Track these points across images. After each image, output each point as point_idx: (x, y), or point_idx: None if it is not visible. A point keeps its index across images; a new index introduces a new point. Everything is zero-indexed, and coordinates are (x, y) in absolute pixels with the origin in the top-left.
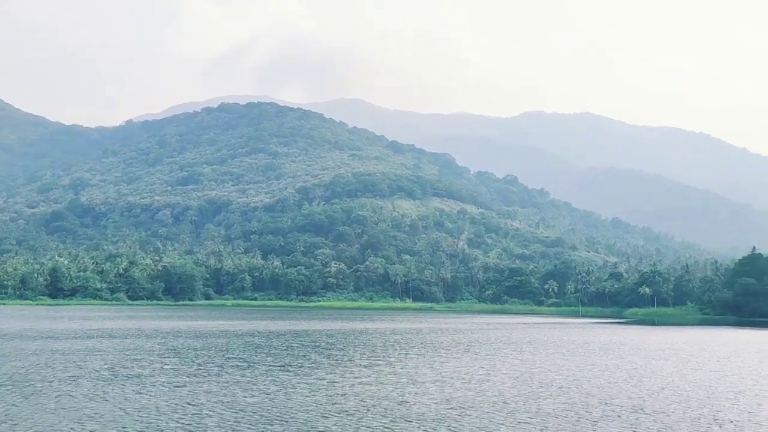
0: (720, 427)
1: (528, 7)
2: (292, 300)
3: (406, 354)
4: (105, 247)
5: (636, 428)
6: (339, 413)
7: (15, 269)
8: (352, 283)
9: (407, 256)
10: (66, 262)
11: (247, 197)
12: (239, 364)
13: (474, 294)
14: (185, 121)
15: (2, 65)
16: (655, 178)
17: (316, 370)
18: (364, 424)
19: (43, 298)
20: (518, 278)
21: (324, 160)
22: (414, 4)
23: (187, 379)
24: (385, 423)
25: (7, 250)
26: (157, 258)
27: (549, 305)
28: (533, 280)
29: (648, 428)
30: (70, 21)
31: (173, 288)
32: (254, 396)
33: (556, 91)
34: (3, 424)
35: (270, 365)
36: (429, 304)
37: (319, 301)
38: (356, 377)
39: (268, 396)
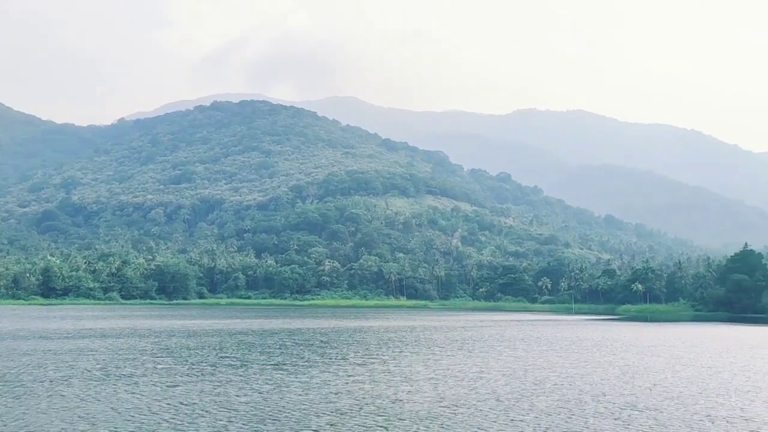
0: (712, 423)
1: (521, 5)
2: (286, 298)
3: (400, 352)
4: (97, 247)
5: (629, 425)
6: (333, 412)
7: (7, 269)
8: (346, 282)
9: (401, 254)
10: (58, 261)
11: (240, 196)
12: (233, 363)
13: (468, 291)
14: (177, 119)
15: None
16: (647, 174)
17: (309, 369)
18: (357, 422)
19: (35, 297)
20: (512, 276)
21: (317, 158)
22: (407, 1)
23: (181, 378)
24: (378, 421)
25: None
26: (150, 257)
27: (542, 302)
28: (527, 278)
29: (641, 425)
30: (62, 19)
31: (166, 287)
32: (248, 395)
33: (549, 88)
34: None
35: (264, 364)
36: (423, 302)
37: (313, 299)
38: (350, 375)
39: (261, 395)
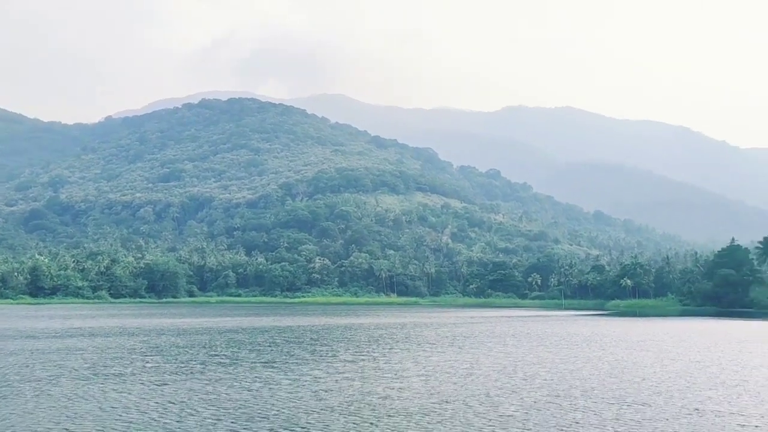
0: (701, 417)
1: (510, 3)
2: (276, 296)
3: (390, 349)
4: (86, 245)
5: (618, 419)
6: (323, 409)
7: None
8: (336, 279)
9: (391, 251)
10: (46, 260)
11: (230, 193)
12: (223, 361)
13: (458, 288)
14: (166, 117)
15: None
16: (635, 170)
17: (300, 366)
18: (347, 419)
19: (23, 297)
20: (502, 272)
21: (306, 155)
22: None
23: (170, 377)
24: (369, 418)
25: None
26: (140, 255)
27: (532, 298)
28: (517, 274)
29: (630, 419)
30: (48, 16)
31: (156, 285)
32: (238, 393)
33: (538, 85)
34: None
35: (254, 362)
36: (413, 299)
37: (303, 296)
38: (340, 373)
39: (251, 393)
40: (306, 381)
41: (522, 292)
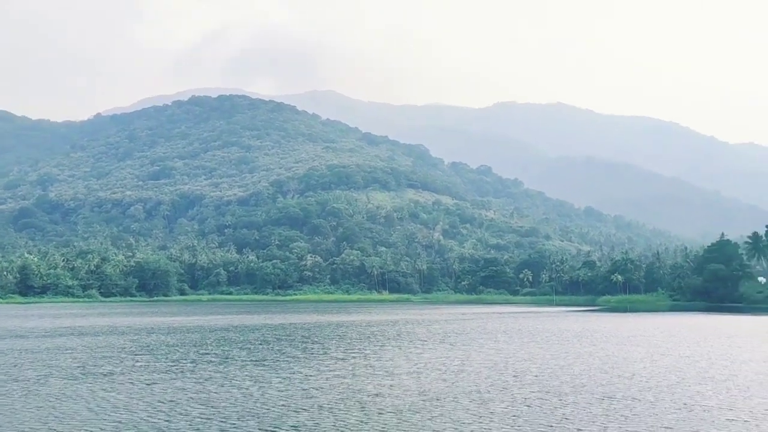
0: (690, 411)
1: (500, 0)
2: (268, 294)
3: (381, 346)
4: (75, 244)
5: (608, 415)
6: (314, 407)
7: None
8: (328, 276)
9: (383, 248)
10: (36, 259)
11: (221, 191)
12: (213, 359)
13: (450, 285)
14: (155, 114)
15: None
16: (626, 166)
17: (291, 364)
18: (339, 417)
19: (13, 296)
20: (493, 268)
21: (297, 152)
22: None
23: (160, 375)
24: (360, 416)
25: None
26: (130, 254)
27: (524, 294)
28: (508, 270)
29: (620, 415)
30: (37, 13)
31: (147, 284)
32: (229, 391)
33: (529, 81)
34: None
35: (245, 360)
36: (405, 296)
37: (295, 294)
38: (332, 370)
39: (242, 391)
40: (297, 379)
41: (513, 289)
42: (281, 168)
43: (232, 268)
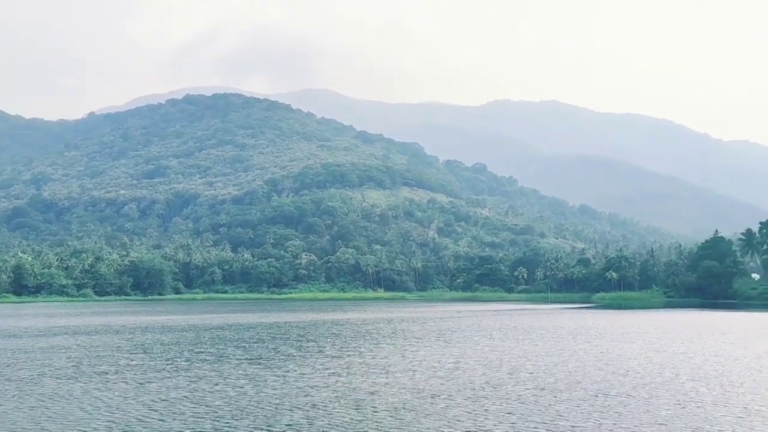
0: (683, 408)
1: None
2: (263, 292)
3: (377, 344)
4: (69, 243)
5: (602, 411)
6: (309, 405)
7: None
8: (323, 274)
9: (378, 246)
10: (30, 258)
11: (215, 190)
12: (208, 358)
13: (445, 282)
14: (149, 113)
15: None
16: (620, 164)
17: (286, 363)
18: (334, 415)
19: (7, 295)
20: (488, 266)
21: (292, 151)
22: None
23: (155, 374)
24: (355, 414)
25: None
26: (124, 253)
27: (519, 292)
28: (503, 268)
29: (614, 411)
30: (28, 11)
31: (141, 283)
32: (223, 390)
33: (523, 79)
34: None
35: (240, 358)
36: (400, 294)
37: (290, 293)
38: (327, 368)
39: (237, 389)
40: (292, 377)
41: (508, 286)
42: (276, 166)
43: (227, 267)
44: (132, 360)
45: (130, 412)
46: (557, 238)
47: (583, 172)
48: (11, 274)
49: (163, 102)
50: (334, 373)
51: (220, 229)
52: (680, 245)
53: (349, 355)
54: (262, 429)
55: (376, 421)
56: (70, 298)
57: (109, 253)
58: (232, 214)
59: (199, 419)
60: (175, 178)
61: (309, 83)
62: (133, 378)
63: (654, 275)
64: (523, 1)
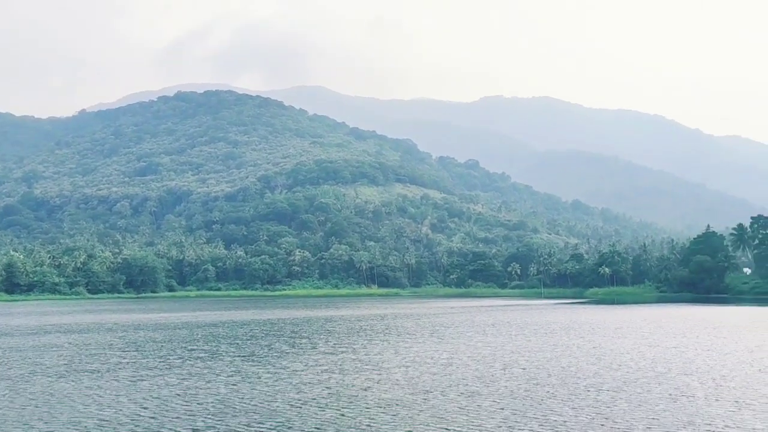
0: (674, 402)
1: None
2: (256, 289)
3: (370, 340)
4: (62, 241)
5: (595, 406)
6: (303, 402)
7: None
8: (317, 271)
9: (371, 243)
10: (22, 257)
11: (208, 187)
12: (202, 355)
13: (438, 278)
14: (141, 110)
15: None
16: (612, 159)
17: (280, 359)
18: (328, 411)
19: None
20: (482, 262)
21: (285, 148)
22: None
23: (148, 372)
24: (349, 410)
25: None
26: (117, 250)
27: (512, 287)
28: (496, 264)
29: (606, 406)
30: (19, 7)
31: (134, 280)
32: (216, 387)
33: (515, 75)
34: None
35: (233, 355)
36: (394, 290)
37: (284, 289)
38: (320, 365)
39: (231, 387)
40: (286, 374)
41: (502, 282)
42: (269, 163)
43: (220, 264)
44: (124, 358)
45: (121, 410)
46: (550, 234)
47: (576, 168)
48: (3, 273)
49: (155, 99)
50: (327, 369)
51: (213, 226)
52: (672, 240)
53: (342, 352)
54: (254, 426)
55: (369, 418)
56: (63, 296)
57: (102, 250)
58: (225, 211)
59: (191, 417)
60: (168, 176)
61: (301, 80)
62: (125, 376)
63: (646, 270)
64: (513, 0)
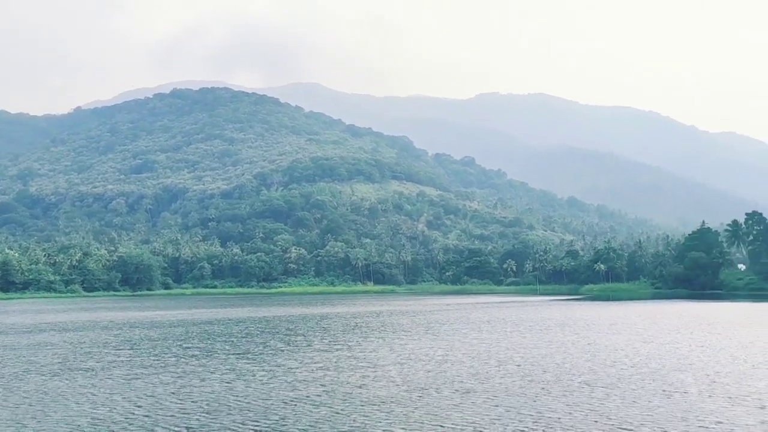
0: (668, 398)
1: None
2: (252, 287)
3: (365, 337)
4: (57, 239)
5: (589, 402)
6: (298, 399)
7: None
8: (312, 268)
9: (367, 240)
10: (17, 255)
11: (204, 184)
12: (197, 353)
13: (434, 275)
14: (137, 107)
15: None
16: (608, 156)
17: (275, 357)
18: (323, 409)
19: None
20: (477, 259)
21: (281, 145)
22: None
23: (143, 370)
24: (344, 407)
25: None
26: (113, 248)
27: (508, 284)
28: (492, 260)
29: (601, 402)
30: (13, 5)
31: (130, 278)
32: (211, 385)
33: (511, 72)
34: None
35: (228, 353)
36: (390, 287)
37: (280, 287)
38: (316, 362)
39: (226, 384)
40: (281, 372)
41: (497, 279)
42: (265, 161)
43: (216, 262)
44: (119, 356)
45: (116, 408)
46: (546, 231)
47: (572, 165)
48: None
49: (151, 96)
50: (322, 367)
51: (209, 224)
52: (667, 236)
53: (337, 349)
54: (249, 424)
55: (364, 415)
56: (58, 294)
57: (97, 248)
58: (221, 209)
59: (186, 415)
60: (163, 173)
61: (297, 77)
62: (120, 374)
63: (641, 266)
64: None
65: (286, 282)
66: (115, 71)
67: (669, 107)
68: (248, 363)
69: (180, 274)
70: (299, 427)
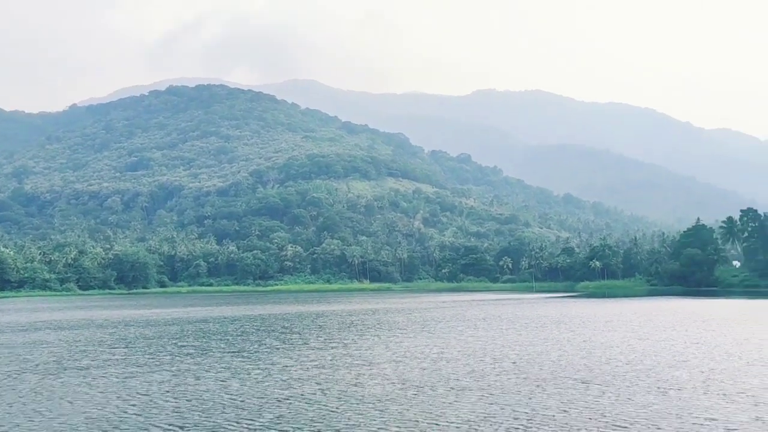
0: (663, 394)
1: None
2: (248, 285)
3: (361, 335)
4: (52, 237)
5: (585, 399)
6: (293, 397)
7: None
8: (308, 266)
9: (363, 237)
10: (12, 253)
11: (200, 182)
12: (192, 351)
13: (430, 273)
14: (132, 104)
15: None
16: (604, 153)
17: (270, 355)
18: (318, 407)
19: None
20: (473, 256)
21: (277, 142)
22: None
23: (138, 369)
24: (339, 405)
25: None
26: (108, 246)
27: (504, 281)
28: (488, 258)
29: (597, 399)
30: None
31: (126, 276)
32: (207, 383)
33: (507, 69)
34: None
35: (224, 351)
36: (386, 285)
37: (276, 284)
38: (311, 360)
39: (221, 383)
40: (276, 370)
41: (493, 276)
42: (261, 158)
43: (212, 260)
44: (114, 354)
45: (110, 407)
46: (542, 228)
47: (567, 162)
48: None
49: (146, 93)
50: (318, 365)
51: (205, 222)
52: (663, 233)
53: (333, 347)
54: (244, 422)
55: (359, 413)
56: (54, 293)
57: (93, 246)
58: (217, 206)
59: (181, 413)
60: (159, 170)
61: (293, 74)
62: (115, 373)
63: (637, 263)
64: None
65: (282, 280)
66: (111, 68)
67: (664, 104)
68: (243, 361)
69: (176, 272)
70: (294, 426)
